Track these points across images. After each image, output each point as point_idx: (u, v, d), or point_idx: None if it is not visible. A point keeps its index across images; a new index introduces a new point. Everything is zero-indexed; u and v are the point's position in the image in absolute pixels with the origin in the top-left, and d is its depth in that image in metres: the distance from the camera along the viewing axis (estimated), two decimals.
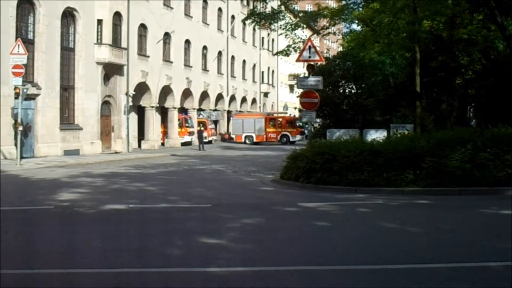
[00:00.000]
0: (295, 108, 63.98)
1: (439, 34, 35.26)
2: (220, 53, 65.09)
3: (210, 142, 57.55)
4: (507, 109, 30.04)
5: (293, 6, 35.69)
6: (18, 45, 28.20)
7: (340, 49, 62.91)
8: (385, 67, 36.95)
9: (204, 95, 61.69)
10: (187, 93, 56.74)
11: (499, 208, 13.75)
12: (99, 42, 40.25)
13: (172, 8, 51.86)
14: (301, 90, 23.50)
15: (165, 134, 53.82)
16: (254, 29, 71.19)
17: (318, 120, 29.97)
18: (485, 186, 16.41)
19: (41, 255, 9.10)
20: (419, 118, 29.96)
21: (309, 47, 22.09)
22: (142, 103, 48.49)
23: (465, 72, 40.11)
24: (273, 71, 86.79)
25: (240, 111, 70.25)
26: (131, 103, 44.35)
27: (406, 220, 12.52)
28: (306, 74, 24.59)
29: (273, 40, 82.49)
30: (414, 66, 30.73)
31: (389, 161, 17.55)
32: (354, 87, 34.34)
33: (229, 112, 68.51)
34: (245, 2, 71.10)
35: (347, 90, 34.55)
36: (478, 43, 33.26)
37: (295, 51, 31.48)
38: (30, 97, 32.45)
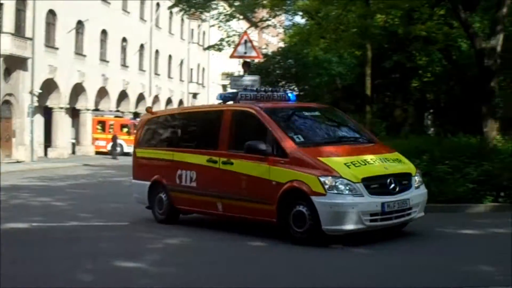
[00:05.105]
0: None
1: (394, 30, 35.74)
2: (142, 46, 64.80)
3: None
4: (470, 116, 30.67)
5: None
6: None
7: (281, 44, 63.40)
8: (332, 66, 37.24)
9: (123, 95, 61.22)
10: (102, 93, 56.22)
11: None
12: None
13: None
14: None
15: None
16: (182, 19, 70.92)
17: None
18: (443, 203, 16.73)
19: None
20: (369, 125, 30.41)
21: (245, 41, 22.27)
22: (49, 103, 47.87)
23: (423, 74, 40.77)
24: (203, 69, 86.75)
25: None
26: (36, 104, 43.77)
27: None
28: (241, 73, 24.73)
29: (204, 32, 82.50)
30: (364, 66, 31.17)
31: None
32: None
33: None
34: None
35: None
36: (438, 42, 33.71)
37: (229, 45, 31.62)
38: None
